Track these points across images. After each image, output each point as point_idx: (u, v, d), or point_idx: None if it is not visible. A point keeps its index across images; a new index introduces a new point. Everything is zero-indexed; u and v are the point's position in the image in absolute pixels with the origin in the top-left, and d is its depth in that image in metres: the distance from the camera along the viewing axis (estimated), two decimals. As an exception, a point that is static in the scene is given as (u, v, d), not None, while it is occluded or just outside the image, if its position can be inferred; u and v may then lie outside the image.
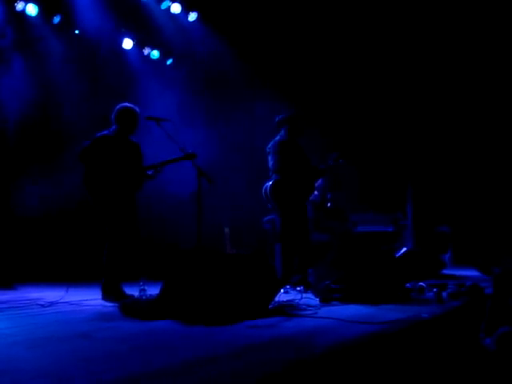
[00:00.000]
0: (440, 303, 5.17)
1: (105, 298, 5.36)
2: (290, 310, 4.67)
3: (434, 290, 5.45)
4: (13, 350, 3.14)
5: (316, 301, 5.23)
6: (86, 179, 5.40)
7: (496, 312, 3.92)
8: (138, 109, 5.71)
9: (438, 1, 9.59)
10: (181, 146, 5.40)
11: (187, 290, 4.26)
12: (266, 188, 6.56)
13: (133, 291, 5.40)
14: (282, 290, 5.62)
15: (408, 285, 5.85)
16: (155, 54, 9.93)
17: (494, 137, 10.99)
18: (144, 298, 5.06)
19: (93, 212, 5.65)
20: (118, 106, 5.68)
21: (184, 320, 4.04)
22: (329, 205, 8.01)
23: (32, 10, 8.14)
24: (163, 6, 9.35)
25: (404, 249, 7.01)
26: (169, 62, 10.23)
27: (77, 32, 8.74)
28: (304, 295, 5.51)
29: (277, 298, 4.90)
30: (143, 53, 9.78)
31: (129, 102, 5.76)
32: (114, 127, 5.63)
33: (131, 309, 4.49)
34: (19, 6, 8.02)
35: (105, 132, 5.59)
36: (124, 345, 3.35)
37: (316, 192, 7.80)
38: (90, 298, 5.48)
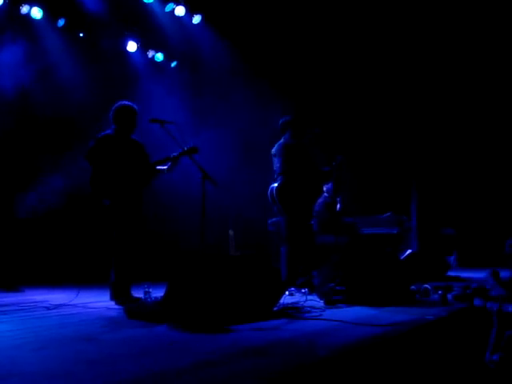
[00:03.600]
0: (445, 305, 5.16)
1: (113, 298, 5.34)
2: (294, 312, 4.67)
3: (439, 292, 5.44)
4: (18, 352, 3.15)
5: (321, 303, 5.23)
6: (92, 180, 5.39)
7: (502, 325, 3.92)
8: (136, 106, 5.68)
9: (438, 1, 9.58)
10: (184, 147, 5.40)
11: (191, 293, 4.26)
12: (271, 190, 6.56)
13: (138, 293, 5.40)
14: (286, 293, 5.62)
15: (413, 287, 5.84)
16: (159, 56, 9.95)
17: (498, 139, 10.97)
18: (149, 300, 5.06)
19: (99, 213, 5.64)
20: (115, 105, 5.64)
21: (188, 322, 4.04)
22: (338, 207, 7.99)
23: (37, 13, 8.17)
24: (167, 8, 9.35)
25: (409, 251, 6.98)
26: (173, 64, 10.24)
27: (81, 35, 8.77)
28: (309, 297, 5.51)
29: (281, 301, 4.89)
30: (147, 55, 9.80)
31: (127, 100, 5.73)
32: (113, 126, 5.60)
33: (136, 312, 4.50)
34: (24, 9, 8.05)
35: (107, 131, 5.56)
36: (129, 348, 3.36)
37: (326, 194, 7.79)
38: (95, 301, 5.49)
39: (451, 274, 8.65)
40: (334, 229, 7.61)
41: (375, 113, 11.09)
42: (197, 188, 5.38)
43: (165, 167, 5.64)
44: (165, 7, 9.36)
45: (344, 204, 8.05)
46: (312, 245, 6.69)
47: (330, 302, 5.17)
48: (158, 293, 4.86)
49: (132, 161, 5.52)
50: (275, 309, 4.69)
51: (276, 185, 6.52)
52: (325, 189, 7.71)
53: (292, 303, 5.13)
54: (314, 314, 4.55)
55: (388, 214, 8.87)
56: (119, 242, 5.42)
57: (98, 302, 5.43)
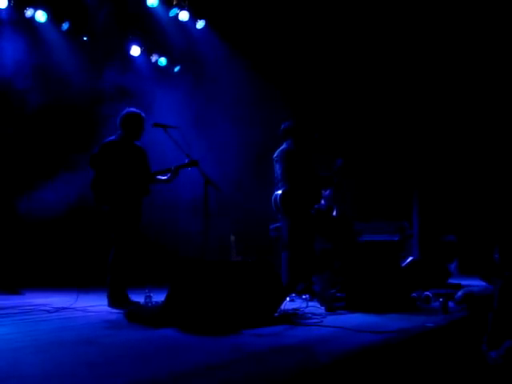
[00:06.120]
0: (446, 313, 5.14)
1: (111, 304, 5.36)
2: (295, 318, 4.66)
3: (440, 299, 5.42)
4: (18, 354, 3.15)
5: (321, 309, 5.21)
6: (94, 185, 5.43)
7: (499, 325, 3.90)
8: (143, 113, 5.73)
9: (438, 2, 9.59)
10: (187, 153, 5.42)
11: (192, 298, 4.26)
12: (275, 197, 6.52)
13: (139, 298, 5.39)
14: (287, 299, 5.61)
15: (414, 294, 5.82)
16: (163, 61, 9.97)
17: (500, 146, 10.96)
18: (149, 304, 5.05)
19: (100, 217, 5.66)
20: (123, 112, 5.70)
21: (189, 328, 4.04)
22: (334, 213, 7.99)
23: (41, 16, 8.19)
24: (171, 13, 9.38)
25: (410, 258, 6.98)
26: (176, 69, 10.26)
27: (85, 39, 8.79)
28: (309, 304, 5.49)
29: (282, 307, 4.89)
30: (151, 60, 9.82)
31: (134, 107, 5.78)
32: (119, 132, 5.65)
33: (136, 316, 4.49)
34: (28, 13, 8.07)
35: (112, 138, 5.62)
36: (129, 351, 3.35)
37: (322, 201, 7.78)
38: (95, 304, 5.48)
39: (452, 281, 8.61)
40: (328, 235, 7.61)
41: (377, 120, 11.08)
42: (199, 193, 5.39)
43: (164, 177, 5.71)
44: (169, 12, 9.39)
45: (341, 211, 8.04)
46: (313, 251, 6.68)
47: (331, 309, 5.16)
48: (159, 297, 4.86)
49: (133, 167, 5.55)
50: (276, 315, 4.69)
51: (280, 192, 6.49)
52: (323, 195, 7.69)
53: (293, 309, 5.11)
54: (314, 321, 4.54)
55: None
56: (116, 246, 5.47)
57: (99, 305, 5.43)
